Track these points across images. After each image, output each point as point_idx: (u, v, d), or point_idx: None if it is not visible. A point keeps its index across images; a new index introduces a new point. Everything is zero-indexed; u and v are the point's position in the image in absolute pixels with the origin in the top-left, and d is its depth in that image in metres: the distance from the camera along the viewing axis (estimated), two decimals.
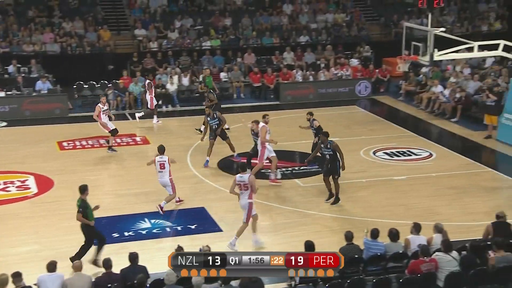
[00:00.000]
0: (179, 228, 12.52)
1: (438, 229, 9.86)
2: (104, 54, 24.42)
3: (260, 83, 23.22)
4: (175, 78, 22.47)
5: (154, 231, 12.36)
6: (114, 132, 17.03)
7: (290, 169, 15.47)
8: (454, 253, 9.07)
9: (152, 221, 12.71)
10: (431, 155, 16.61)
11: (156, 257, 10.86)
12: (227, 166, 15.92)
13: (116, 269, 9.15)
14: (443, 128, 19.20)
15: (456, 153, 16.81)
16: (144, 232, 12.28)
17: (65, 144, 17.85)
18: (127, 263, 9.23)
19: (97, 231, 10.85)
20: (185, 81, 22.71)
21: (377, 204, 13.47)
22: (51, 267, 8.97)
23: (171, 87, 22.13)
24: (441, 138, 18.44)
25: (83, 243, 10.72)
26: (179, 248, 9.44)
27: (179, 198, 13.48)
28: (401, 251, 9.59)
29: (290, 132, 17.15)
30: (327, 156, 13.35)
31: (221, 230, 12.34)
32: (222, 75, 23.36)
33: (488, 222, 10.38)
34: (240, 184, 11.25)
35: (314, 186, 14.47)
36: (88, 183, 14.56)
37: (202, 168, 15.49)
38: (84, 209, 10.60)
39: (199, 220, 12.85)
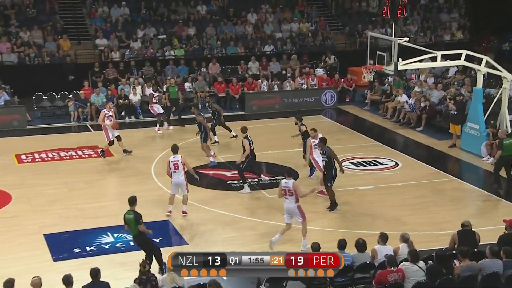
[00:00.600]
0: None
1: (405, 239, 9.99)
2: (64, 64, 24.11)
3: (225, 93, 23.25)
4: (138, 88, 22.32)
5: (117, 245, 12.21)
6: (111, 143, 17.26)
7: (256, 180, 15.50)
8: (421, 263, 9.21)
9: (115, 235, 12.56)
10: (397, 164, 16.87)
11: (119, 273, 10.73)
12: (190, 178, 15.87)
13: (77, 285, 9.00)
14: (408, 137, 19.53)
15: (421, 162, 17.10)
16: (106, 246, 12.12)
17: (23, 157, 17.52)
18: (89, 279, 9.09)
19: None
20: (148, 91, 22.52)
21: (344, 214, 13.59)
22: (9, 285, 8.77)
23: (134, 98, 21.98)
24: (406, 147, 18.74)
25: (150, 255, 10.65)
26: (144, 262, 9.35)
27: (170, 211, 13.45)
28: (368, 262, 9.69)
29: (256, 143, 17.20)
30: (323, 163, 13.62)
31: (186, 243, 12.27)
32: (187, 85, 23.31)
33: (453, 231, 10.57)
34: (285, 190, 11.62)
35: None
36: (48, 197, 14.53)
37: (167, 181, 15.36)
38: (142, 219, 10.66)
39: (164, 233, 12.74)
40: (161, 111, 20.13)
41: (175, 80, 22.35)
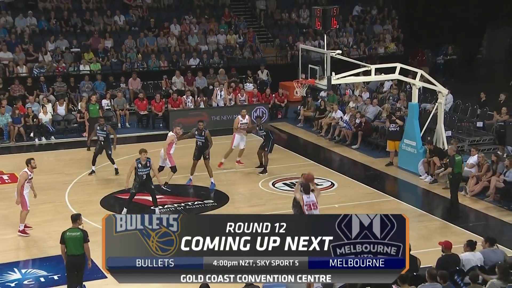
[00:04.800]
0: (55, 277, 12.01)
1: None
2: None
3: (147, 111, 23.06)
4: (49, 106, 21.83)
5: (26, 282, 11.81)
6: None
7: (183, 204, 15.41)
8: None
9: (23, 271, 12.16)
10: (332, 184, 17.18)
11: None
12: (111, 204, 15.59)
13: None
14: (344, 155, 19.96)
15: (358, 182, 17.49)
16: (12, 284, 11.69)
17: None
18: None
19: None
20: (61, 110, 22.12)
21: None
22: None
23: (45, 117, 21.46)
24: (342, 166, 19.15)
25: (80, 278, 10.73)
26: None
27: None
28: None
29: (183, 164, 17.13)
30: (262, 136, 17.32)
31: (105, 277, 11.96)
32: (104, 102, 22.94)
33: None
34: (309, 205, 11.96)
35: None
36: None
37: (83, 208, 14.98)
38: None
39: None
40: None
41: (96, 97, 21.92)
